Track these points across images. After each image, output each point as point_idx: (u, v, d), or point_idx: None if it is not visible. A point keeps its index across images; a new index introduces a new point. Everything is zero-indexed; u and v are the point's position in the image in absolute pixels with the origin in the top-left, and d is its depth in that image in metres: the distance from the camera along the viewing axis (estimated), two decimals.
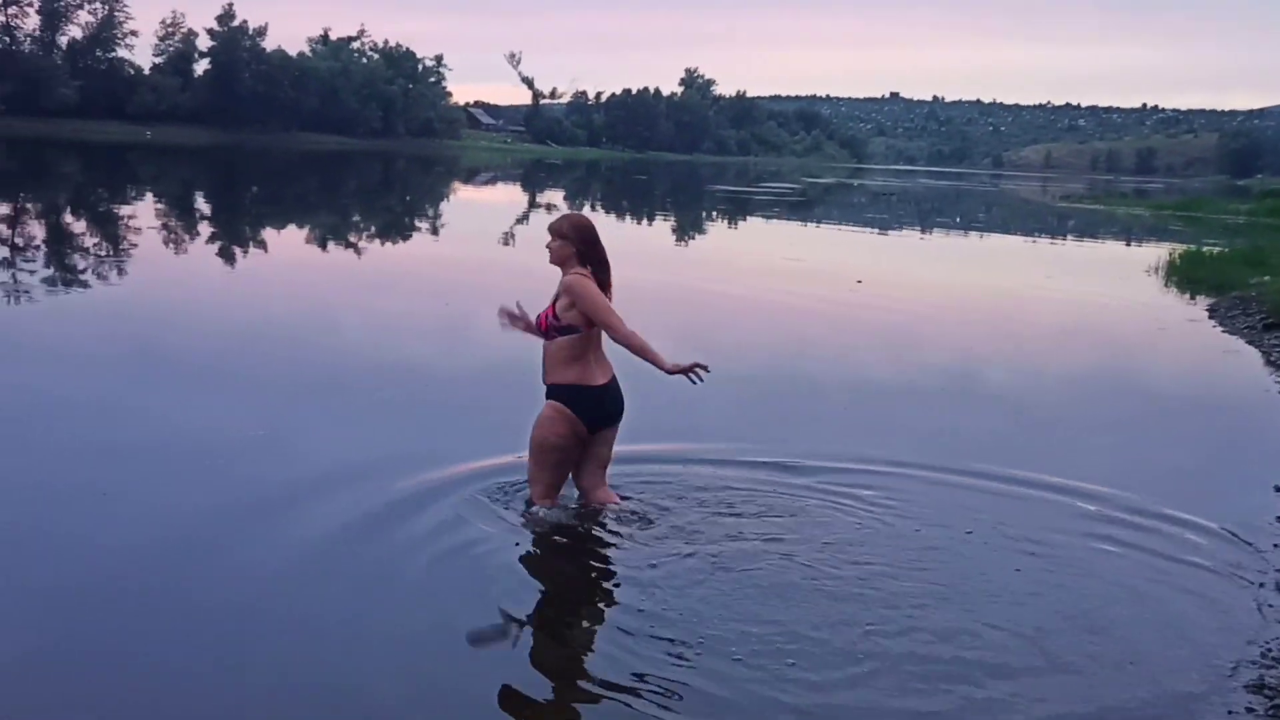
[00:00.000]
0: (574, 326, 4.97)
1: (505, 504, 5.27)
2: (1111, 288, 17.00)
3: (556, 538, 5.02)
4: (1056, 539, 5.33)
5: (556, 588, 4.64)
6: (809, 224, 34.05)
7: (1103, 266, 22.48)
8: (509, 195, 43.82)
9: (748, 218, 34.89)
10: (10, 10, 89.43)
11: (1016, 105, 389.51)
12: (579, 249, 5.06)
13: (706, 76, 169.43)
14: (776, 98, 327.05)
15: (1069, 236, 32.66)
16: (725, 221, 32.86)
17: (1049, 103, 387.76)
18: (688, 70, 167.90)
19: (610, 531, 5.07)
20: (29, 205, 24.83)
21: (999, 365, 10.50)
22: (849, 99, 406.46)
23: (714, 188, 56.94)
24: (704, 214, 36.12)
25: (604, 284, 5.06)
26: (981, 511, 5.63)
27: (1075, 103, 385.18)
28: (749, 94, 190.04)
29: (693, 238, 26.78)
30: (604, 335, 5.07)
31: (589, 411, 5.05)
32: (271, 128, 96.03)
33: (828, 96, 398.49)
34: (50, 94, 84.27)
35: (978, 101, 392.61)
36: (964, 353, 10.96)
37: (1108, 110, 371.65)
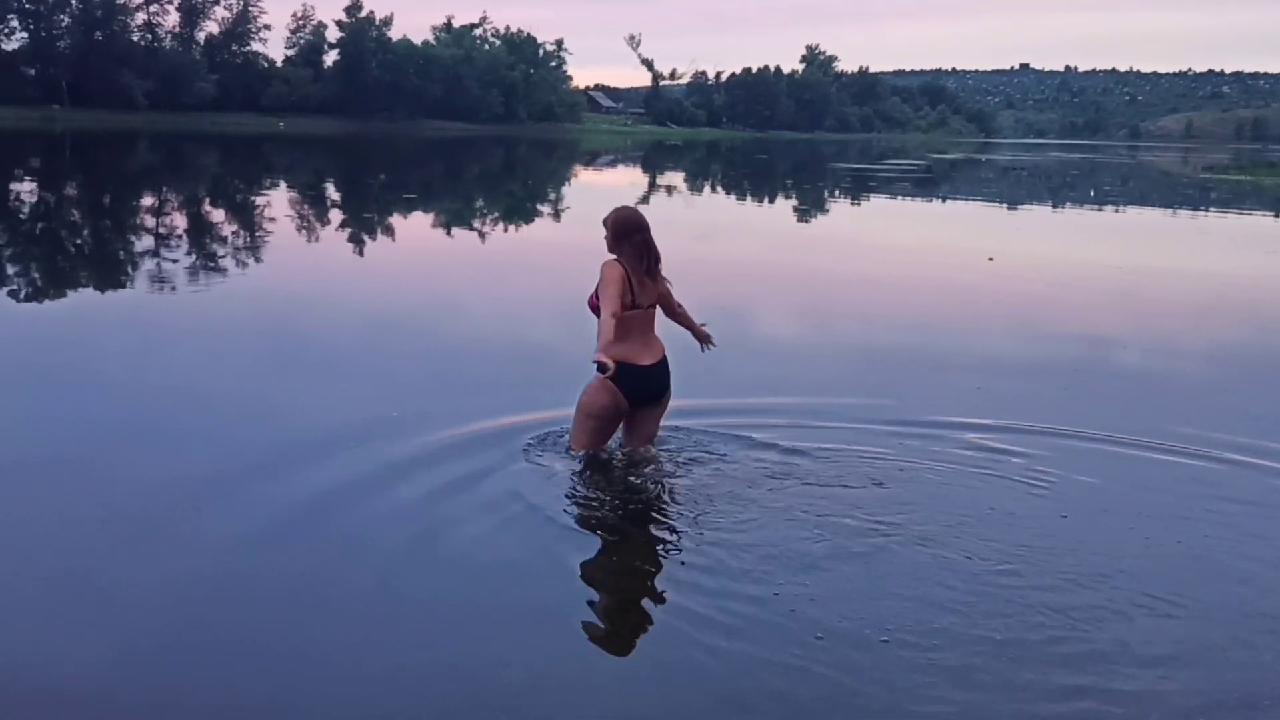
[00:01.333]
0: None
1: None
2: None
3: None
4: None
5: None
6: (935, 200, 33.24)
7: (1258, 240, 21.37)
8: (629, 177, 43.86)
9: (871, 195, 34.23)
10: (151, 8, 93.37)
11: (1154, 73, 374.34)
12: (613, 239, 5.45)
13: (828, 53, 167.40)
14: (900, 72, 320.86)
15: (1211, 209, 31.15)
16: (849, 200, 32.28)
17: (1190, 69, 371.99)
18: (809, 47, 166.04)
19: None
20: (171, 197, 25.86)
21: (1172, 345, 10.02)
22: (976, 71, 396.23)
23: (836, 166, 56.10)
24: (827, 192, 35.56)
25: (646, 272, 5.40)
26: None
27: (1218, 69, 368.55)
28: (872, 69, 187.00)
29: (816, 217, 26.38)
30: (657, 316, 5.52)
31: (630, 386, 5.35)
32: (397, 116, 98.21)
33: (954, 70, 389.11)
34: (189, 88, 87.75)
35: (1113, 70, 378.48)
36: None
37: (1254, 76, 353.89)
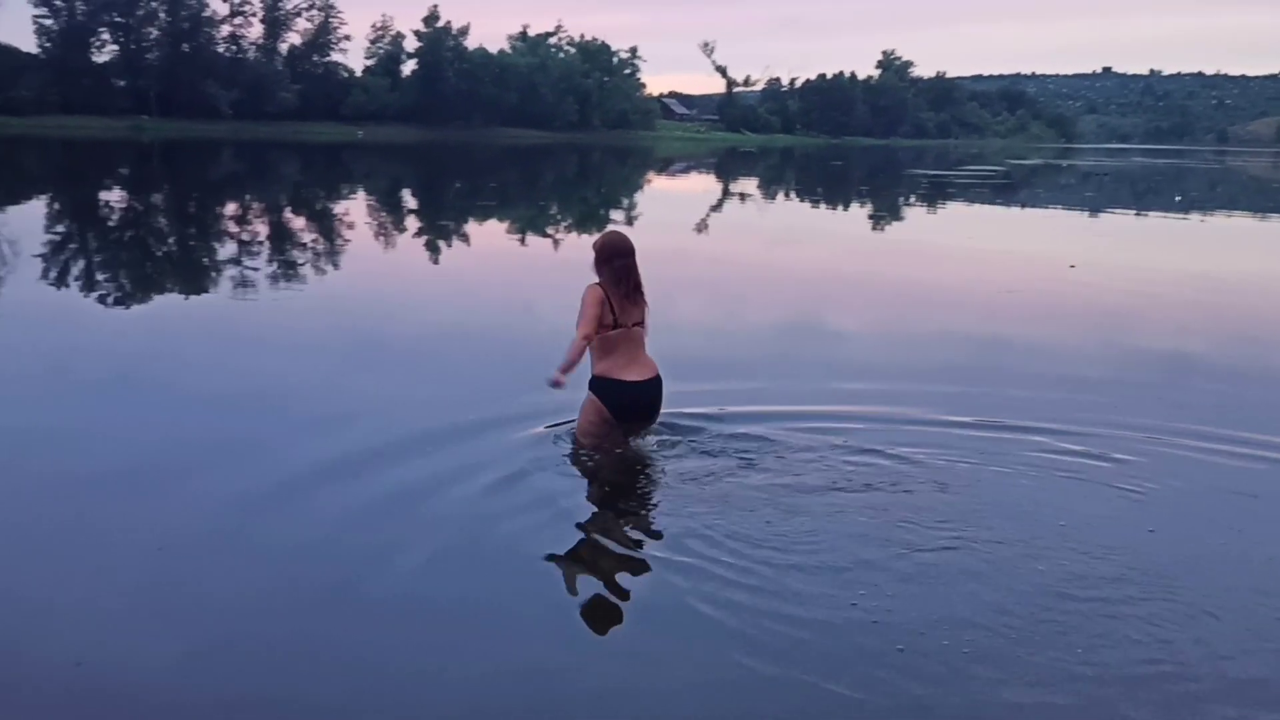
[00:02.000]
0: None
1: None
2: None
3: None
4: None
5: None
6: (1014, 207, 32.67)
7: None
8: (703, 184, 43.83)
9: (948, 202, 33.74)
10: (236, 20, 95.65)
11: (1244, 76, 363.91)
12: (597, 262, 5.68)
13: (904, 58, 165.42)
14: (978, 77, 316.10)
15: None
16: (925, 206, 31.86)
17: None
18: (885, 53, 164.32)
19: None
20: (254, 204, 26.41)
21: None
22: (1056, 75, 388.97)
23: (912, 172, 55.44)
24: (902, 199, 35.15)
25: (624, 295, 5.59)
26: None
27: None
28: (949, 74, 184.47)
29: (892, 223, 26.09)
30: (644, 336, 5.69)
31: (615, 402, 5.57)
32: (473, 124, 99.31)
33: (1033, 74, 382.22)
34: (272, 98, 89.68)
35: (1199, 74, 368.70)
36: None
37: None
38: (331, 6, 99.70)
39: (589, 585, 4.39)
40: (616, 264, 5.64)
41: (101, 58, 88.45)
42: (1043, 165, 72.13)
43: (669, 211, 28.00)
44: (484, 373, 8.02)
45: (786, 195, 37.52)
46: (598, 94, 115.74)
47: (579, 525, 4.96)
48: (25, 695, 3.52)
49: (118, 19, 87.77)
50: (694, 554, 4.56)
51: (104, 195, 27.42)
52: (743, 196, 34.81)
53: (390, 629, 4.00)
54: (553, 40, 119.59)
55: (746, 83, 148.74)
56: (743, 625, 3.99)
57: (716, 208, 29.16)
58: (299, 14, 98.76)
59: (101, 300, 11.55)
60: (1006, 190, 41.53)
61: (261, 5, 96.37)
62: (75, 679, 3.60)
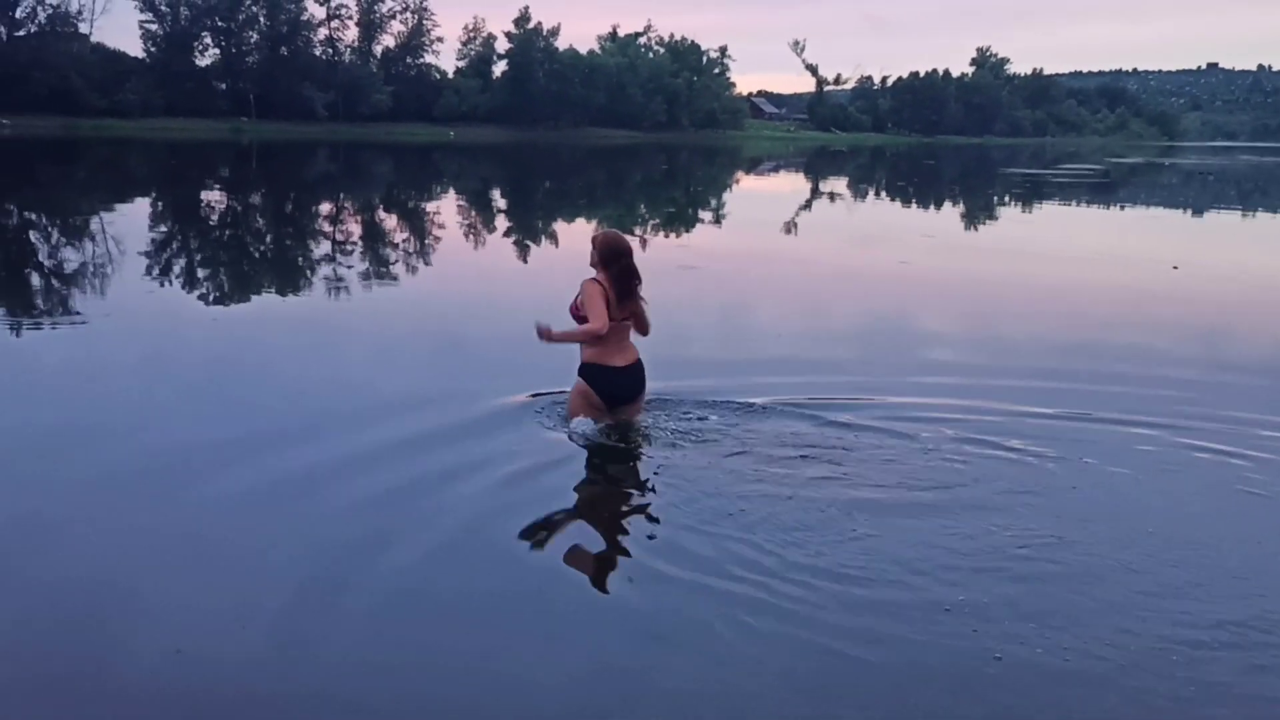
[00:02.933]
0: (586, 317, 5.96)
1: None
2: None
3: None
4: None
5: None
6: (1114, 207, 31.81)
7: None
8: (791, 184, 43.52)
9: (1044, 202, 32.98)
10: (333, 24, 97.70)
11: None
12: (600, 260, 6.06)
13: (999, 55, 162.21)
14: (1077, 74, 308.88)
15: None
16: (1020, 206, 31.19)
17: None
18: (979, 50, 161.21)
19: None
20: (349, 204, 26.92)
21: None
22: (1159, 72, 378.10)
23: (1006, 171, 54.37)
24: (996, 198, 34.46)
25: (624, 293, 5.99)
26: None
27: None
28: (1046, 71, 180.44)
29: (986, 223, 25.59)
30: (631, 327, 6.10)
31: (601, 385, 6.03)
32: (563, 124, 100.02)
33: (1135, 70, 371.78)
34: (366, 100, 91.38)
35: None
36: None
37: None
38: (425, 9, 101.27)
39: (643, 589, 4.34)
40: (623, 263, 6.04)
41: (203, 61, 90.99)
42: (1143, 164, 70.25)
43: (758, 211, 27.85)
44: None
45: (877, 194, 37.05)
46: (686, 94, 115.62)
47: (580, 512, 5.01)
48: (129, 679, 3.61)
49: (219, 23, 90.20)
50: (781, 558, 4.49)
51: (205, 195, 28.18)
52: (832, 196, 34.47)
53: (382, 620, 4.02)
54: (642, 40, 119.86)
55: (837, 81, 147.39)
56: (827, 631, 3.91)
57: (805, 207, 28.91)
58: (393, 16, 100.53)
59: (199, 297, 11.85)
60: (1105, 190, 40.47)
61: (357, 9, 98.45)
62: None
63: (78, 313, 10.36)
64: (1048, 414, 6.62)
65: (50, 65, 74.67)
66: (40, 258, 14.76)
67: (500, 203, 29.59)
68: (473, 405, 6.62)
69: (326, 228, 20.18)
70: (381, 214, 24.15)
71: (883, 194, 37.51)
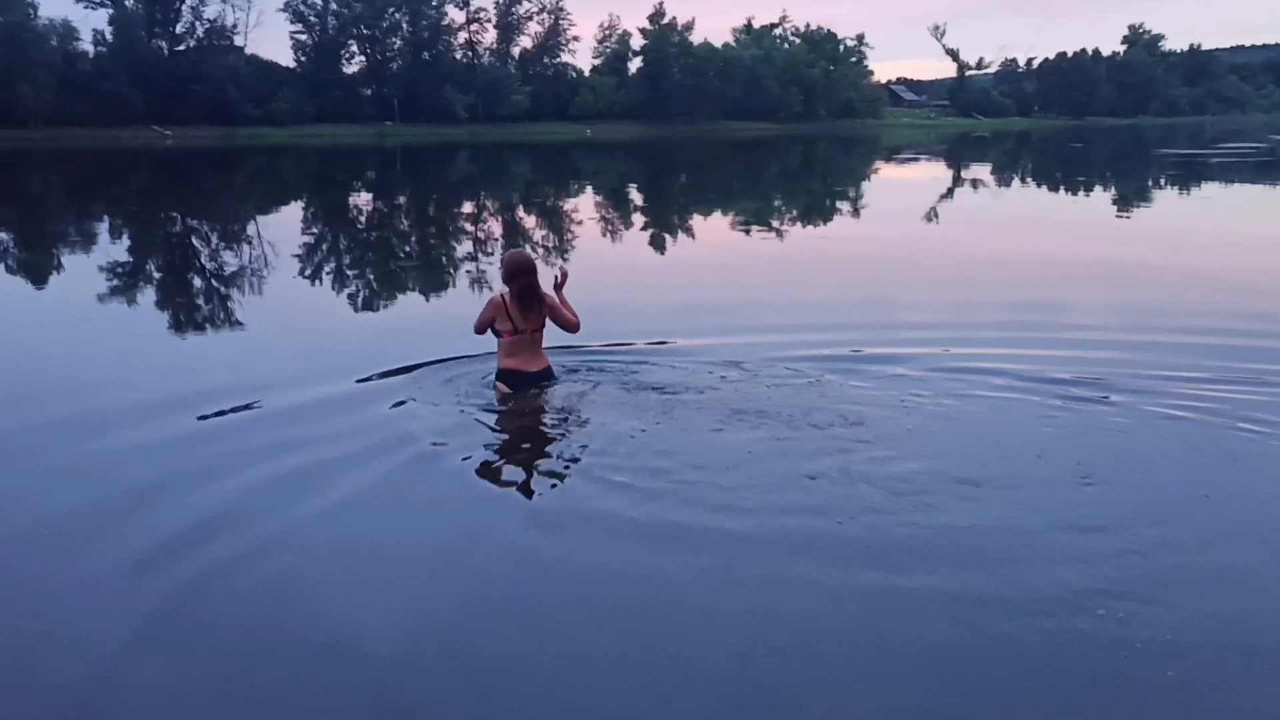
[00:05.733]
0: (498, 331, 6.74)
1: None
2: None
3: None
4: None
5: None
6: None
7: None
8: (931, 172, 42.54)
9: (1202, 183, 31.45)
10: (472, 27, 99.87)
11: None
12: (504, 277, 6.75)
13: (1153, 31, 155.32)
14: (1238, 48, 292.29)
15: None
16: (1176, 188, 29.82)
17: None
18: (1131, 27, 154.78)
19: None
20: (489, 202, 27.50)
21: None
22: None
23: (1162, 152, 52.04)
24: (1150, 181, 33.00)
25: (525, 304, 6.63)
26: None
27: None
28: (1204, 46, 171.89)
29: (1138, 207, 24.57)
30: (540, 338, 6.80)
31: (518, 385, 6.67)
32: (698, 118, 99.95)
33: None
34: (505, 101, 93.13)
35: None
36: None
37: None
38: (561, 9, 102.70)
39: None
40: (519, 282, 6.63)
41: (350, 69, 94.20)
42: None
43: (897, 201, 27.34)
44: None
45: (1023, 180, 35.94)
46: (823, 84, 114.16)
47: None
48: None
49: (364, 31, 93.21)
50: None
51: (352, 199, 29.18)
52: (975, 183, 33.56)
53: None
54: (777, 31, 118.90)
55: (979, 65, 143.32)
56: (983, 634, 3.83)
57: (946, 196, 28.25)
58: (530, 18, 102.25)
59: (351, 300, 12.28)
60: (1269, 170, 38.35)
61: (495, 11, 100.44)
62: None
63: (238, 320, 10.86)
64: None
65: (209, 78, 78.46)
66: (203, 261, 15.55)
67: (637, 198, 29.78)
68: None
69: (469, 226, 20.66)
70: (521, 212, 24.58)
71: (1028, 180, 36.35)
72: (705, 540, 4.53)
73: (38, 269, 15.19)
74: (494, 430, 6.16)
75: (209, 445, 5.91)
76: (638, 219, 22.72)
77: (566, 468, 5.48)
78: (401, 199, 29.02)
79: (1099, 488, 5.10)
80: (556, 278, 6.96)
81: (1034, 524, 4.66)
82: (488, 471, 5.52)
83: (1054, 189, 32.49)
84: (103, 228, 21.70)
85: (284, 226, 20.75)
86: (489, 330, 6.80)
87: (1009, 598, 3.98)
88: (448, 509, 5.08)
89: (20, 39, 71.34)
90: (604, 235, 18.84)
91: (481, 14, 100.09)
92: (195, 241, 18.94)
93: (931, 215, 21.49)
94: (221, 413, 6.44)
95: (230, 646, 3.84)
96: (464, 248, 17.08)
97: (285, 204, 28.96)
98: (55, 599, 4.20)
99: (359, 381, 7.15)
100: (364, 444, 5.84)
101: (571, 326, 6.87)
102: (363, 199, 29.00)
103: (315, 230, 20.29)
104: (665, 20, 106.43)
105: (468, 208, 25.84)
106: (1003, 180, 35.48)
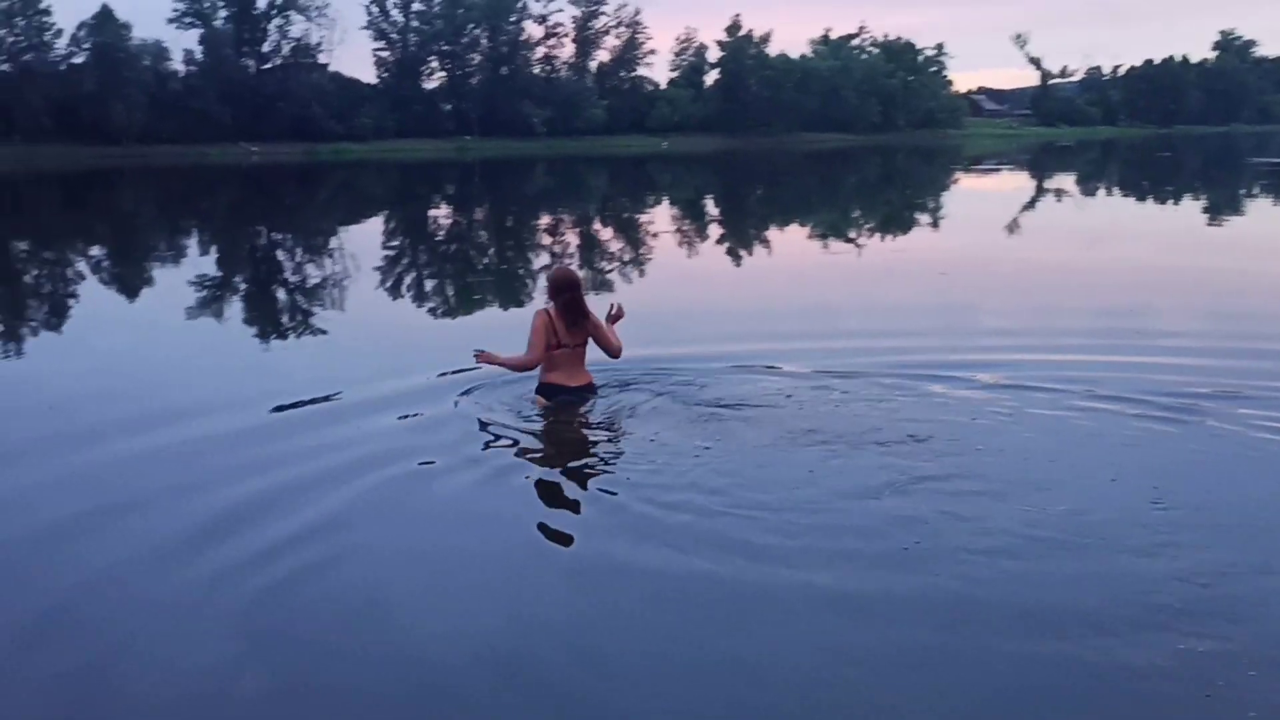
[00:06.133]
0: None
1: None
2: None
3: None
4: None
5: None
6: None
7: None
8: (1014, 182, 41.84)
9: None
10: (550, 42, 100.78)
11: None
12: (549, 292, 6.87)
13: (1245, 37, 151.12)
14: None
15: None
16: (1271, 197, 28.91)
17: None
18: (1222, 33, 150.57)
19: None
20: (565, 216, 27.69)
21: None
22: None
23: (1254, 160, 50.55)
24: (1243, 190, 32.04)
25: (570, 324, 6.70)
26: None
27: None
28: None
29: (1228, 217, 23.87)
30: (586, 352, 6.85)
31: (560, 400, 6.70)
32: (775, 130, 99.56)
33: None
34: (582, 114, 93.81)
35: None
36: None
37: None
38: (638, 23, 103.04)
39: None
40: (566, 296, 6.73)
41: (430, 84, 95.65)
42: None
43: (978, 210, 26.92)
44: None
45: (1108, 191, 35.16)
46: (902, 94, 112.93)
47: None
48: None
49: (444, 47, 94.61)
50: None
51: (432, 212, 29.59)
52: (1059, 193, 32.92)
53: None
54: (855, 42, 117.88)
55: (1063, 73, 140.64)
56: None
57: (1029, 206, 27.74)
58: (607, 32, 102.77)
59: (431, 313, 12.43)
60: None
61: (573, 25, 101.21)
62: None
63: (322, 329, 11.06)
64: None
65: (294, 95, 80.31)
66: (288, 274, 15.88)
67: (713, 211, 29.73)
68: None
69: (545, 240, 20.81)
70: (598, 225, 24.70)
71: (1114, 190, 35.56)
72: (762, 564, 4.45)
73: (130, 282, 15.65)
74: (545, 444, 6.22)
75: (282, 457, 5.99)
76: (713, 230, 22.69)
77: (625, 480, 5.46)
78: (479, 213, 29.37)
79: (1171, 512, 4.90)
80: (611, 309, 7.03)
81: (1096, 556, 4.47)
82: (544, 488, 5.51)
83: (1141, 198, 31.75)
84: (192, 242, 22.31)
85: (365, 238, 21.11)
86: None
87: (1059, 636, 3.85)
88: (505, 523, 5.14)
89: (114, 59, 73.80)
90: (679, 246, 18.85)
91: (559, 28, 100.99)
92: (279, 255, 19.36)
93: (1014, 226, 21.11)
94: (294, 428, 6.57)
95: (300, 651, 3.90)
96: (540, 260, 17.18)
97: (366, 218, 29.46)
98: (139, 607, 4.29)
99: (423, 395, 7.22)
100: (428, 457, 5.89)
101: (613, 350, 6.96)
102: (441, 212, 29.40)
103: (395, 243, 20.62)
104: (742, 32, 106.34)
105: (544, 220, 26.03)
106: (1087, 190, 34.76)
